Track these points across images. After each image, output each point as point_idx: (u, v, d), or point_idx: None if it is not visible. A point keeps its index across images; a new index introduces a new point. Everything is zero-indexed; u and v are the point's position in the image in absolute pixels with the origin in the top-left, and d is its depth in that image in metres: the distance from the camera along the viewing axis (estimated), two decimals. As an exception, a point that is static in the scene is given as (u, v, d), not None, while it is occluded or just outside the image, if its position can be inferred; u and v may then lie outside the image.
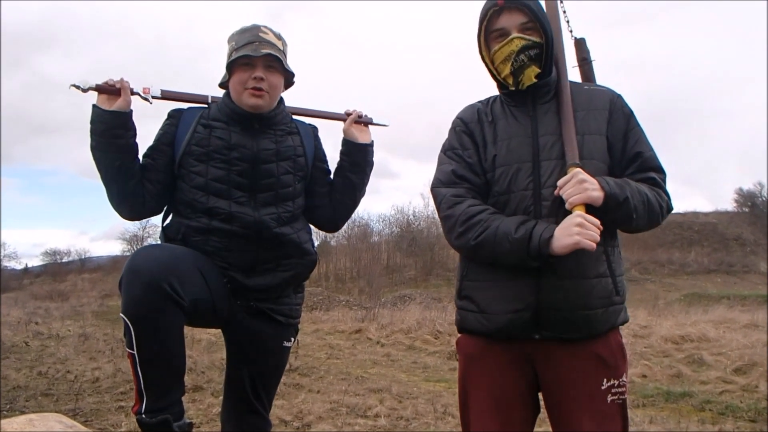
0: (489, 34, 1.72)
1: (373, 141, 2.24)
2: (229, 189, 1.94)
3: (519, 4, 1.67)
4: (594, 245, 1.47)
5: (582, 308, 1.59)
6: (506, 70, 1.70)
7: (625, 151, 1.69)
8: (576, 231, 1.48)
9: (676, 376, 6.56)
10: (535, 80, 1.69)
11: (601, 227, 1.50)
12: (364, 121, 2.25)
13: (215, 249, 1.93)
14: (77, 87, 1.89)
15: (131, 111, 1.93)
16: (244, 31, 2.01)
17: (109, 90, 1.91)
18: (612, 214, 1.55)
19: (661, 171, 1.70)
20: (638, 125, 1.73)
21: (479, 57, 1.77)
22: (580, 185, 1.52)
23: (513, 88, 1.72)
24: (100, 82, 1.91)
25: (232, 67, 1.97)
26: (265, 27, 2.02)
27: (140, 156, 2.00)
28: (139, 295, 1.66)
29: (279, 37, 2.04)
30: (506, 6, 1.67)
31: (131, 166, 1.93)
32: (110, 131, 1.88)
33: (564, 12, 1.89)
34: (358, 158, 2.18)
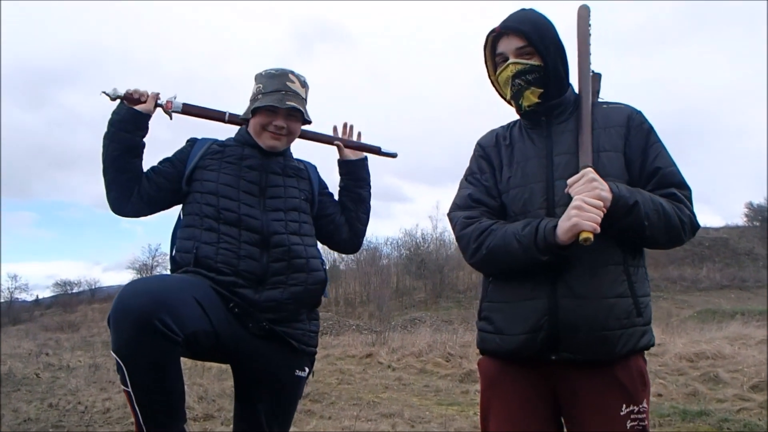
0: (494, 59, 1.77)
1: (366, 156, 2.42)
2: (238, 192, 2.04)
3: (515, 29, 1.69)
4: (594, 226, 1.45)
5: (600, 329, 1.55)
6: (508, 93, 1.74)
7: (644, 167, 1.67)
8: (573, 213, 1.47)
9: (692, 394, 6.46)
10: (537, 101, 1.70)
11: (604, 210, 1.48)
12: (368, 148, 2.43)
13: (225, 257, 1.94)
14: (107, 94, 2.09)
15: (149, 115, 2.11)
16: (273, 76, 2.13)
17: (135, 101, 2.10)
18: (622, 220, 1.52)
19: (684, 187, 1.67)
20: (659, 141, 1.70)
21: (489, 81, 1.82)
22: (589, 183, 1.50)
23: (518, 111, 1.77)
24: (130, 88, 2.10)
25: (256, 111, 2.11)
26: (293, 74, 2.14)
27: (152, 165, 2.15)
28: (129, 335, 1.61)
29: (303, 84, 2.17)
30: (503, 32, 1.71)
31: (129, 161, 2.07)
32: (122, 123, 2.06)
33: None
34: (360, 173, 2.38)
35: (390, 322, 25.74)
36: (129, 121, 2.06)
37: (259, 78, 2.15)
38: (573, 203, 1.49)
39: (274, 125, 2.10)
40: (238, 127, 2.24)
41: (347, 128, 2.43)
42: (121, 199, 2.08)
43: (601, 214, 1.47)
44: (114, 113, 2.07)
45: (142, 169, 2.10)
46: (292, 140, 2.20)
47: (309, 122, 2.23)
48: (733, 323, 15.99)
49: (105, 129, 2.07)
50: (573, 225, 1.46)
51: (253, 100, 2.14)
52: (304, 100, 2.16)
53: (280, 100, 2.07)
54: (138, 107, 2.07)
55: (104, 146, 2.06)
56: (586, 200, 1.47)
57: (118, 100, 2.09)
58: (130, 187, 2.07)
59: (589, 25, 1.80)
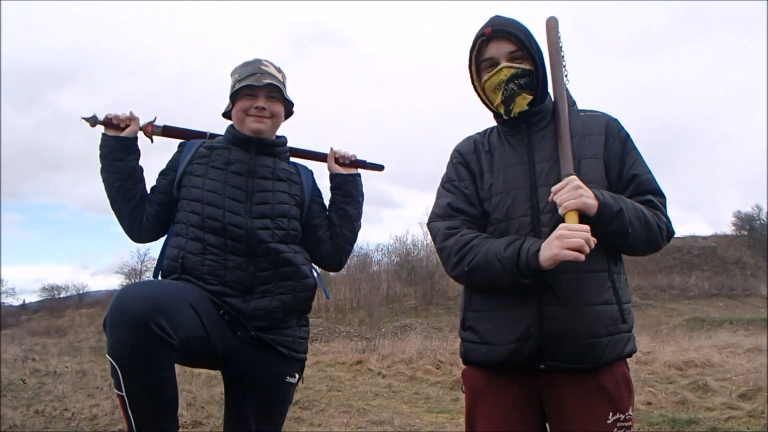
0: (480, 64, 1.74)
1: (359, 173, 2.31)
2: (224, 198, 2.00)
3: (506, 33, 1.68)
4: (576, 255, 1.44)
5: (586, 336, 1.55)
6: (497, 99, 1.72)
7: (621, 174, 1.68)
8: (555, 244, 1.46)
9: (681, 402, 6.47)
10: (527, 108, 1.70)
11: (588, 231, 1.47)
12: (357, 164, 2.32)
13: (211, 268, 1.93)
14: (86, 120, 2.08)
15: (135, 137, 2.11)
16: (246, 64, 2.14)
17: (115, 126, 2.09)
18: (607, 227, 1.53)
19: (659, 194, 1.69)
20: (635, 148, 1.72)
21: (471, 87, 1.79)
22: (575, 191, 1.50)
23: (506, 117, 1.74)
24: (110, 113, 2.09)
25: (235, 96, 2.10)
26: (266, 61, 2.14)
27: (151, 185, 2.14)
28: (125, 337, 1.61)
29: (279, 70, 2.16)
30: (494, 35, 1.70)
31: (132, 187, 2.07)
32: (113, 154, 2.06)
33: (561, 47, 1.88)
34: (349, 189, 2.25)
35: (380, 329, 25.70)
36: (119, 150, 2.07)
37: (234, 72, 2.16)
38: (555, 232, 1.49)
39: (255, 107, 2.07)
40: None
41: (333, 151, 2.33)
42: (134, 227, 2.09)
43: (586, 237, 1.46)
44: (101, 147, 2.08)
45: (145, 193, 2.12)
46: (277, 124, 2.16)
47: (291, 104, 2.20)
48: (722, 332, 16.09)
49: (100, 166, 2.08)
50: (554, 255, 1.46)
51: (232, 90, 2.13)
52: (281, 82, 2.13)
53: (256, 80, 2.06)
54: (122, 134, 2.08)
55: (104, 180, 2.08)
56: (570, 226, 1.47)
57: (99, 127, 2.09)
58: (139, 213, 2.08)
59: (559, 36, 1.82)
